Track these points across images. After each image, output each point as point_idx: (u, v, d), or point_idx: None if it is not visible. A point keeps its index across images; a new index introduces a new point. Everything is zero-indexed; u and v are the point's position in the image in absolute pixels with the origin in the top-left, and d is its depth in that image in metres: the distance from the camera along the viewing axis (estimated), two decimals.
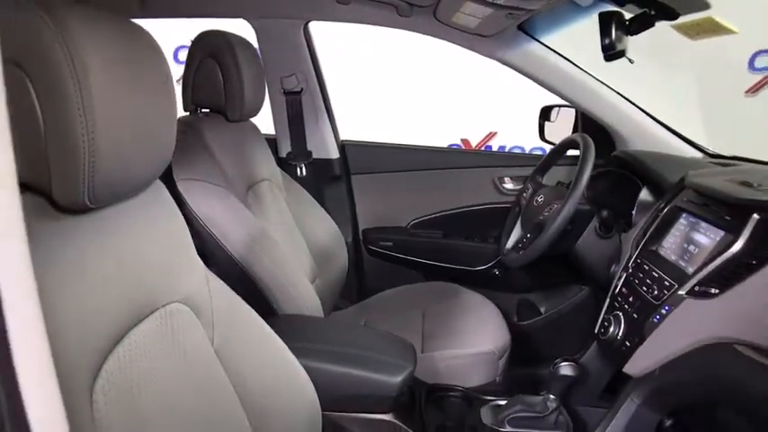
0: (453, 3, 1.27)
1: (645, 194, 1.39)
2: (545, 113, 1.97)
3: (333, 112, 1.94)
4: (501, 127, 3.84)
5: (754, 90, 3.32)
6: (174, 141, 0.75)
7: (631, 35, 1.07)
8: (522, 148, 3.82)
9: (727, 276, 0.94)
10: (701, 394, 0.98)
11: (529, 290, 1.91)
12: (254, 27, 1.78)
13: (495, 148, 3.88)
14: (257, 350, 0.94)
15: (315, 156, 1.89)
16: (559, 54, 1.63)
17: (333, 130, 1.93)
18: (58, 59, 0.54)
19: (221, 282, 0.92)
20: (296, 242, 1.57)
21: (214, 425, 0.81)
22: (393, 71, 3.49)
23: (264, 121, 1.64)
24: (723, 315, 0.91)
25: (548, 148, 2.74)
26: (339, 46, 2.42)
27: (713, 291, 0.94)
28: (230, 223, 1.26)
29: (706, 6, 0.99)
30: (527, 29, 1.56)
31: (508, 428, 1.17)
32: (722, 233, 1.01)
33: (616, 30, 0.97)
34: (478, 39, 1.57)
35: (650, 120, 1.70)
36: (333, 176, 1.94)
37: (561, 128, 1.92)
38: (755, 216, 0.94)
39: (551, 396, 1.17)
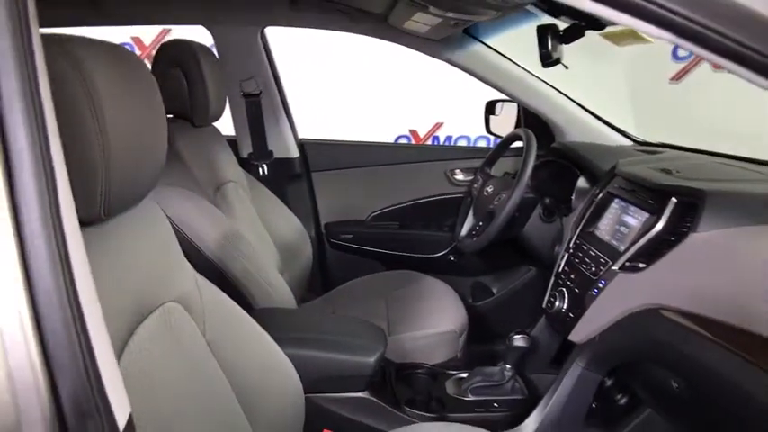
0: (405, 12, 1.38)
1: (582, 182, 1.55)
2: (490, 108, 2.11)
3: (291, 113, 2.02)
4: (447, 118, 3.96)
5: (678, 77, 3.58)
6: (165, 151, 0.83)
7: (566, 44, 1.21)
8: (468, 138, 3.97)
9: (652, 252, 1.10)
10: (634, 354, 1.14)
11: (482, 273, 2.05)
12: (211, 33, 1.83)
13: (442, 139, 4.01)
14: (245, 341, 1.03)
15: (276, 155, 1.97)
16: (501, 54, 1.77)
17: (292, 130, 2.01)
18: (76, 93, 0.62)
19: (206, 280, 1.00)
20: (263, 239, 1.65)
21: (212, 411, 0.90)
22: (341, 68, 3.56)
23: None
24: (649, 285, 1.06)
25: (492, 138, 2.90)
26: (283, 45, 2.49)
27: (641, 265, 1.10)
28: (204, 225, 1.33)
29: None
30: (472, 32, 1.68)
31: (471, 397, 1.30)
32: (647, 215, 1.17)
33: (552, 40, 1.10)
34: (427, 42, 1.69)
35: (584, 112, 1.86)
36: (294, 175, 2.02)
37: (505, 121, 2.07)
38: (673, 200, 1.10)
39: (507, 366, 1.31)
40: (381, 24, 1.62)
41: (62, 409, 0.41)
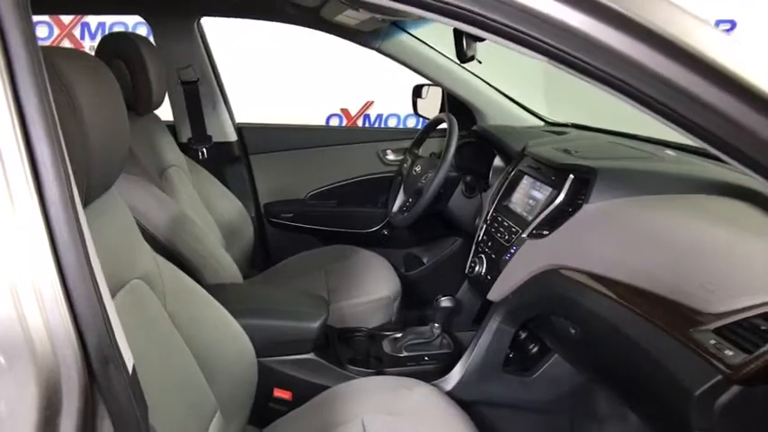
0: (337, 7, 1.49)
1: (497, 161, 1.74)
2: (417, 91, 2.26)
3: (228, 99, 2.09)
4: (377, 96, 4.06)
5: None
6: (128, 143, 0.92)
7: (480, 42, 1.36)
8: (398, 116, 4.10)
9: (553, 221, 1.30)
10: (541, 308, 1.33)
11: (413, 245, 2.23)
12: (149, 24, 1.87)
13: (373, 117, 4.11)
14: (201, 313, 1.14)
15: (215, 140, 2.04)
16: (426, 44, 1.92)
17: (229, 114, 2.09)
18: (60, 100, 0.71)
19: (164, 258, 1.11)
20: (206, 221, 1.74)
21: (176, 376, 1.01)
22: (270, 48, 3.58)
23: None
24: (551, 249, 1.26)
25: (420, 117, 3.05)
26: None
27: (545, 232, 1.29)
28: (151, 209, 1.42)
29: None
30: (399, 23, 1.82)
31: (404, 353, 1.48)
32: (550, 189, 1.37)
33: (466, 39, 1.25)
34: (358, 33, 1.81)
35: (501, 96, 2.05)
36: (232, 158, 2.11)
37: (431, 103, 2.22)
38: (571, 176, 1.30)
39: (436, 325, 1.49)
40: (313, 16, 1.73)
41: (89, 355, 0.53)
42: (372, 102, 4.04)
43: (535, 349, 1.49)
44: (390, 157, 2.22)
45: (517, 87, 2.14)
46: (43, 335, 0.50)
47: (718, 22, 3.51)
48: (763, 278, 0.87)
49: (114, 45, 1.46)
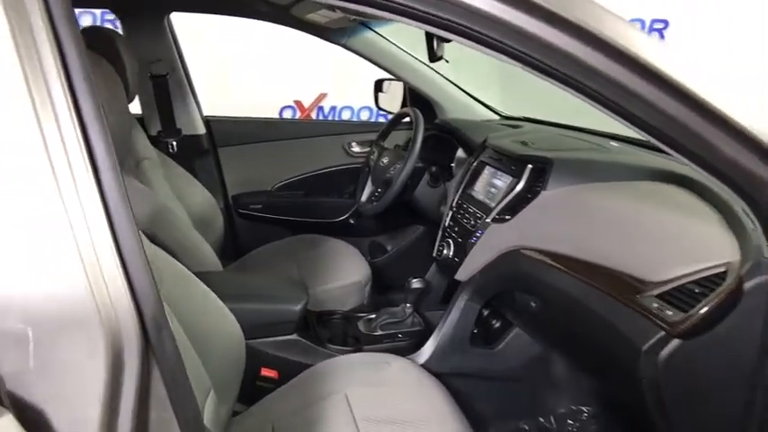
0: (309, 6, 1.58)
1: (460, 152, 1.86)
2: (378, 86, 2.36)
3: (196, 92, 2.14)
4: (331, 88, 4.11)
5: None
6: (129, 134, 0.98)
7: (448, 43, 1.48)
8: (352, 108, 4.17)
9: (514, 207, 1.43)
10: (504, 285, 1.47)
11: (377, 233, 2.34)
12: (120, 19, 1.90)
13: (326, 109, 4.17)
14: (194, 297, 1.21)
15: (184, 133, 2.08)
16: (391, 42, 2.02)
17: (198, 108, 2.13)
18: None
19: (153, 244, 1.17)
20: (180, 212, 1.79)
21: None
22: (222, 40, 3.58)
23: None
24: (514, 232, 1.39)
25: (375, 110, 3.17)
26: None
27: (507, 217, 1.43)
28: (134, 200, 1.46)
29: None
30: (366, 22, 1.91)
31: (379, 332, 1.59)
32: (511, 178, 1.50)
33: (436, 40, 1.36)
34: (326, 30, 1.89)
35: (460, 91, 2.18)
36: (201, 150, 2.15)
37: (393, 97, 2.33)
38: (529, 166, 1.43)
39: (407, 305, 1.61)
40: (284, 13, 1.80)
41: (145, 323, 0.61)
42: (326, 94, 4.08)
43: (497, 324, 1.63)
44: (356, 149, 2.32)
45: (474, 83, 2.27)
46: (108, 304, 0.58)
47: (652, 22, 3.77)
48: (695, 250, 1.02)
49: (92, 39, 1.50)
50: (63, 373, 0.57)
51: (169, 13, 1.94)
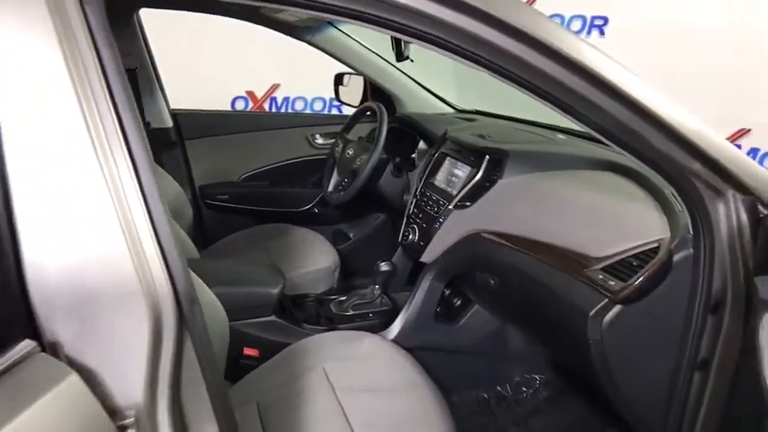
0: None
1: (422, 144, 1.99)
2: (338, 79, 2.46)
3: (164, 86, 2.17)
4: (283, 79, 4.13)
5: None
6: None
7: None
8: (305, 99, 4.21)
9: (473, 194, 1.57)
10: (466, 265, 1.61)
11: (340, 222, 2.44)
12: None
13: (279, 100, 4.18)
14: None
15: (153, 126, 2.12)
16: (354, 39, 2.13)
17: (165, 101, 2.17)
18: None
19: None
20: None
21: None
22: (177, 31, 3.55)
23: None
24: (474, 217, 1.53)
25: (328, 100, 3.23)
26: None
27: (467, 204, 1.56)
28: None
29: None
30: (332, 20, 2.01)
31: (351, 312, 1.70)
32: (470, 168, 1.64)
33: (403, 42, 1.48)
34: (293, 27, 1.98)
35: (418, 86, 2.31)
36: (169, 143, 2.20)
37: (353, 91, 2.43)
38: (487, 157, 1.57)
39: (376, 286, 1.73)
40: (252, 11, 1.87)
41: (179, 300, 0.70)
42: (279, 84, 4.09)
43: (458, 302, 1.77)
44: (319, 141, 2.41)
45: (430, 78, 2.40)
46: (150, 281, 0.67)
47: (592, 18, 3.99)
48: (633, 229, 1.18)
49: None
50: (112, 339, 0.66)
51: (139, 8, 1.97)
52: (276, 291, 1.54)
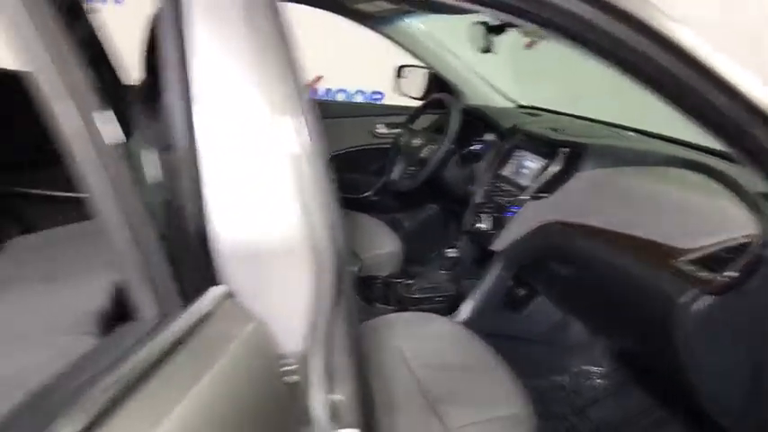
0: None
1: (489, 136, 2.03)
2: (399, 72, 2.50)
3: None
4: (326, 71, 4.20)
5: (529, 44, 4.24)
6: None
7: (497, 35, 1.64)
8: (347, 91, 4.27)
9: (549, 186, 1.61)
10: (539, 254, 1.64)
11: (395, 211, 2.49)
12: None
13: (322, 91, 4.26)
14: None
15: None
16: (424, 30, 2.17)
17: None
18: None
19: None
20: None
21: None
22: None
23: None
24: (550, 207, 1.57)
25: (367, 92, 3.23)
26: None
27: (544, 195, 1.60)
28: None
29: None
30: (407, 11, 2.06)
31: (418, 295, 1.76)
32: (543, 160, 1.68)
33: (487, 34, 1.52)
34: (369, 17, 2.03)
35: (480, 80, 2.34)
36: None
37: (414, 84, 2.47)
38: (564, 149, 1.61)
39: (442, 271, 1.78)
40: (334, 1, 1.92)
41: (338, 258, 0.75)
42: (322, 76, 4.18)
43: (522, 293, 1.81)
44: (382, 130, 2.46)
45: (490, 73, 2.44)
46: (316, 237, 0.72)
47: None
48: (720, 224, 1.21)
49: None
50: (279, 291, 0.71)
51: None
52: (355, 270, 1.60)
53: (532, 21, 0.84)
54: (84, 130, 0.55)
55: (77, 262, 1.81)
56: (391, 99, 2.69)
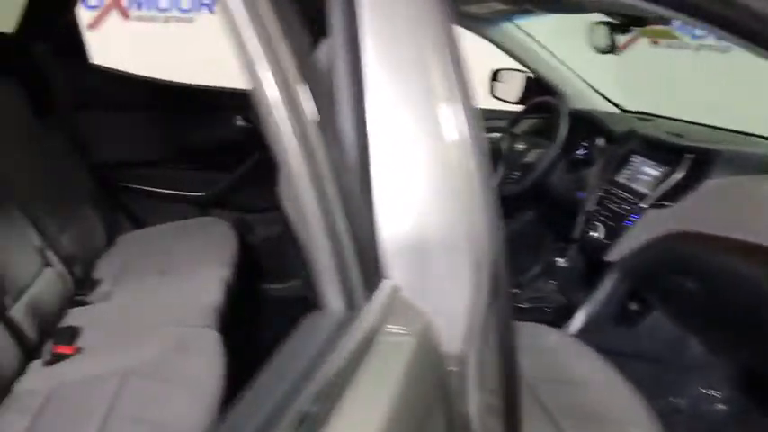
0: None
1: (600, 141, 1.93)
2: (495, 76, 2.45)
3: None
4: None
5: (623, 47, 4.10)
6: None
7: (622, 34, 1.57)
8: None
9: (673, 194, 1.51)
10: (659, 266, 1.55)
11: None
12: None
13: None
14: None
15: None
16: (526, 33, 2.11)
17: None
18: None
19: None
20: None
21: None
22: None
23: None
24: (675, 217, 1.47)
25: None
26: None
27: (667, 204, 1.51)
28: None
29: None
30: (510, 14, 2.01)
31: (526, 305, 1.69)
32: (665, 167, 1.58)
33: (611, 34, 1.45)
34: (474, 20, 1.99)
35: (583, 83, 2.25)
36: None
37: (510, 88, 2.41)
38: (690, 156, 1.51)
39: (551, 281, 1.71)
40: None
41: (494, 258, 0.72)
42: None
43: (635, 307, 1.71)
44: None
45: (593, 76, 2.34)
46: (475, 237, 0.69)
47: None
48: None
49: None
50: (441, 288, 0.68)
51: None
52: None
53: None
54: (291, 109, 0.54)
55: (190, 257, 1.88)
56: (481, 103, 2.64)
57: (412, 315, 0.63)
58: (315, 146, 0.55)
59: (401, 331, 0.59)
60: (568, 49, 2.30)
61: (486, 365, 0.74)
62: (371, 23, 0.68)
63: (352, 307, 0.57)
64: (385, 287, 0.63)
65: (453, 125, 0.68)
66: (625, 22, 1.51)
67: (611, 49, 1.47)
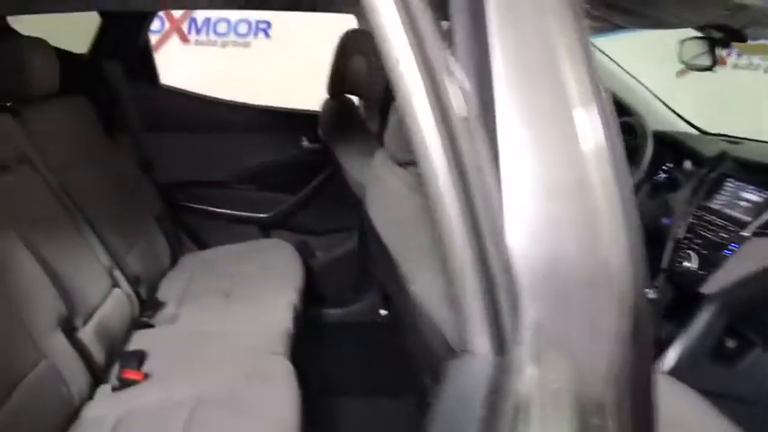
0: None
1: (687, 164, 1.81)
2: None
3: None
4: None
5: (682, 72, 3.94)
6: None
7: (722, 48, 1.47)
8: None
9: None
10: (763, 298, 1.42)
11: None
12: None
13: None
14: None
15: None
16: (601, 51, 2.02)
17: None
18: None
19: None
20: None
21: None
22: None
23: None
24: None
25: None
26: None
27: None
28: None
29: None
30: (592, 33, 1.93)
31: None
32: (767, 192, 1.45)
33: (713, 51, 1.35)
34: None
35: (660, 103, 2.14)
36: None
37: None
38: None
39: None
40: None
41: (637, 291, 0.63)
42: None
43: (734, 344, 1.57)
44: None
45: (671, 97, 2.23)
46: (613, 272, 0.60)
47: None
48: None
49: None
50: (581, 325, 0.60)
51: None
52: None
53: None
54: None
55: (255, 279, 1.83)
56: None
57: (560, 361, 0.55)
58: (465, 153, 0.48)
59: (555, 380, 0.51)
60: (639, 69, 2.21)
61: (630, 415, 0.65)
62: (499, 29, 0.62)
63: (502, 352, 0.49)
64: (530, 326, 0.55)
65: (590, 134, 0.60)
66: (724, 38, 1.41)
67: (712, 65, 1.37)
